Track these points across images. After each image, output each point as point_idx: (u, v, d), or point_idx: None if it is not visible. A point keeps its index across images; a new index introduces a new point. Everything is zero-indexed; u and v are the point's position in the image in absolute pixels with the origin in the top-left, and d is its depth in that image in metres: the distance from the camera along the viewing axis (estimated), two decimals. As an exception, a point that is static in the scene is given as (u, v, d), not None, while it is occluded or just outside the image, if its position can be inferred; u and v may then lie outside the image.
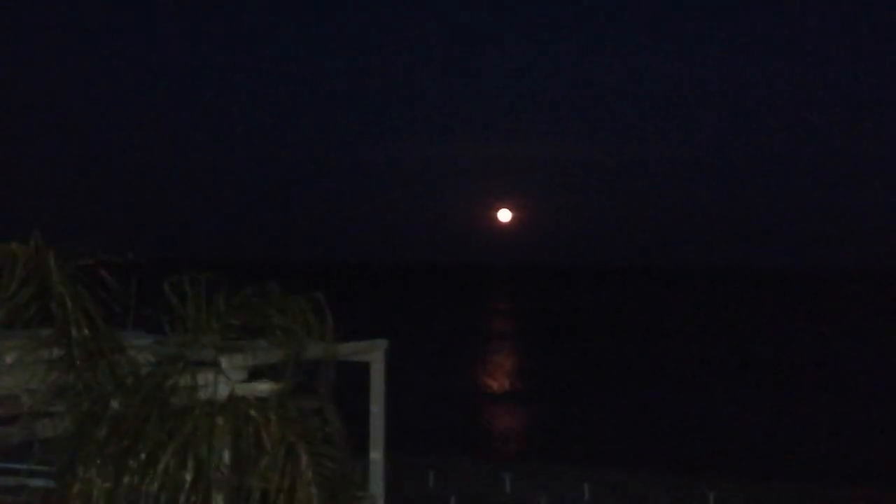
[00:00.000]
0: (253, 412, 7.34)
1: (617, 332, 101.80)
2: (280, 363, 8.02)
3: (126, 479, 7.11)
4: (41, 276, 7.52)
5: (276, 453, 7.22)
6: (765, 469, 36.14)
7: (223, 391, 7.70)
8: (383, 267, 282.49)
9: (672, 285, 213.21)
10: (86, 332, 7.57)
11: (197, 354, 7.77)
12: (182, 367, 7.70)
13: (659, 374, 69.16)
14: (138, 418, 7.30)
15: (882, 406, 53.73)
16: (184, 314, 7.77)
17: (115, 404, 7.47)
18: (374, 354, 14.30)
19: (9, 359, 7.83)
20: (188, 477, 7.11)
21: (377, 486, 14.37)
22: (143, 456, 7.13)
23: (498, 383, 69.00)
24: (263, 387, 8.32)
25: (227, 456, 7.35)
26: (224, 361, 8.10)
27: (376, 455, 14.42)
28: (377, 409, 14.47)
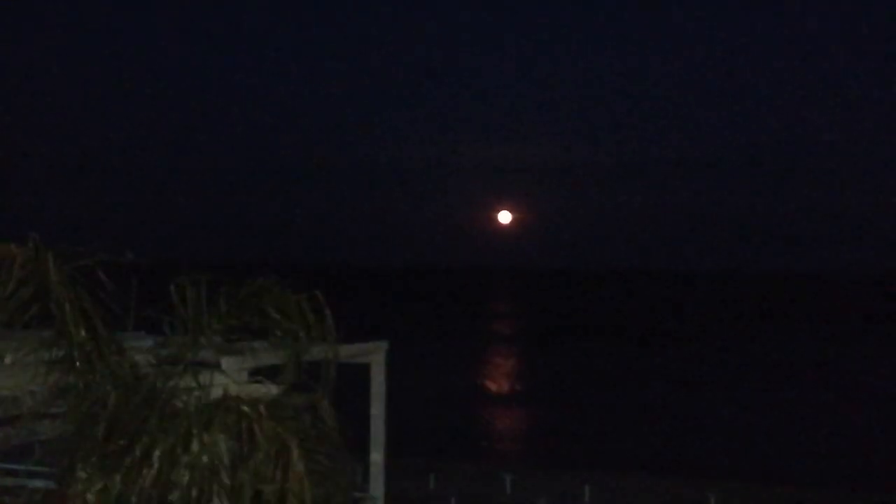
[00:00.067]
0: (245, 408, 7.35)
1: (617, 334, 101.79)
2: (281, 365, 8.03)
3: (120, 478, 7.10)
4: (40, 277, 7.52)
5: (269, 450, 7.22)
6: (765, 471, 36.12)
7: (218, 392, 7.71)
8: (383, 268, 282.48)
9: (672, 287, 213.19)
10: (84, 333, 7.57)
11: (197, 355, 7.77)
12: (182, 369, 7.69)
13: (659, 375, 69.14)
14: (136, 419, 7.30)
15: (882, 407, 53.72)
16: (184, 315, 7.77)
17: (113, 405, 7.47)
18: (374, 356, 14.31)
19: (9, 360, 7.83)
20: (183, 475, 7.11)
21: (378, 487, 14.37)
22: (137, 453, 7.13)
23: (498, 385, 69.00)
24: (263, 388, 8.31)
25: (225, 456, 7.35)
26: (224, 363, 8.10)
27: (377, 457, 14.42)
28: (378, 410, 14.48)
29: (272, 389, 7.92)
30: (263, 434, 7.24)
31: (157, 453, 7.10)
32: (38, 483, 11.71)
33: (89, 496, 7.14)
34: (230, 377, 8.04)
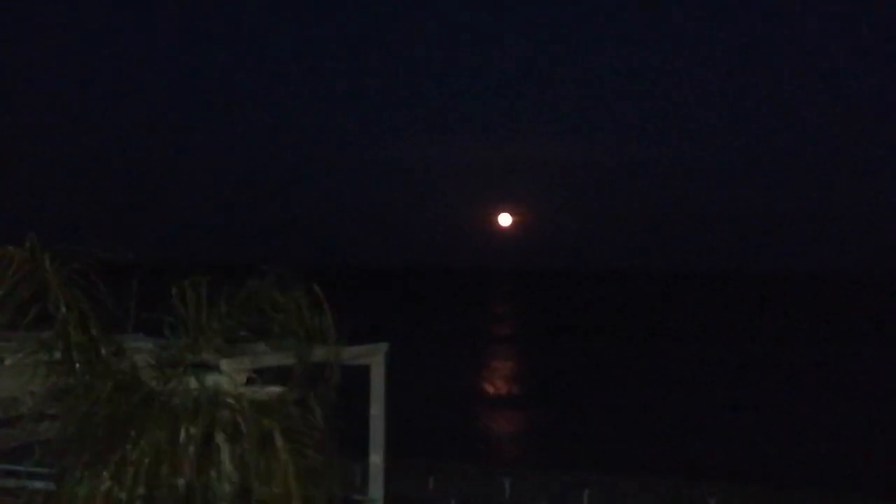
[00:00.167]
0: (230, 400, 7.37)
1: (617, 334, 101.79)
2: (289, 367, 8.04)
3: (108, 474, 7.11)
4: (38, 278, 7.52)
5: (251, 440, 7.23)
6: (765, 472, 36.11)
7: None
8: (383, 269, 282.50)
9: (672, 287, 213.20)
10: (82, 334, 7.57)
11: (198, 357, 7.77)
12: (183, 371, 7.70)
13: (659, 376, 69.13)
14: (133, 419, 7.31)
15: (882, 408, 53.71)
16: (185, 317, 7.77)
17: (110, 405, 7.47)
18: (374, 358, 14.31)
19: (9, 361, 7.82)
20: (164, 469, 7.13)
21: (377, 489, 14.37)
22: (128, 447, 7.14)
23: (498, 386, 68.99)
24: (263, 390, 8.32)
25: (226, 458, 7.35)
26: (225, 365, 8.10)
27: (376, 458, 14.42)
28: (377, 412, 14.47)
29: (272, 391, 7.93)
30: (246, 423, 7.25)
31: (142, 444, 7.12)
32: (38, 484, 11.71)
33: (86, 496, 7.15)
34: (230, 379, 8.04)
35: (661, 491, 30.31)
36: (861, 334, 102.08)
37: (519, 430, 51.11)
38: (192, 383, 7.70)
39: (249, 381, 8.60)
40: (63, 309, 7.51)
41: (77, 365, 7.58)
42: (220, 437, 7.34)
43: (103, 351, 7.66)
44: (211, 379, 7.80)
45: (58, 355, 7.59)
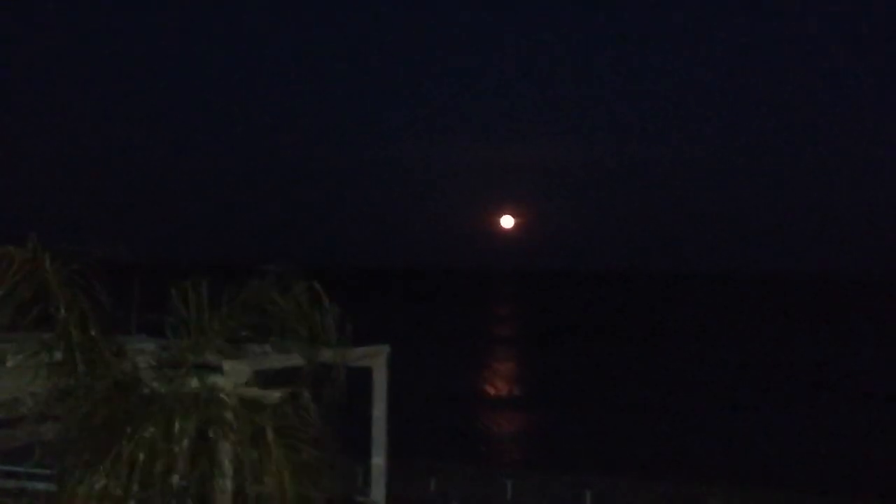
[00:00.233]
0: (223, 396, 7.35)
1: (618, 335, 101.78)
2: (282, 368, 8.02)
3: (104, 470, 7.09)
4: (38, 278, 7.49)
5: (244, 435, 7.21)
6: (765, 473, 36.08)
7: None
8: (384, 270, 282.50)
9: (672, 287, 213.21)
10: (83, 335, 7.54)
11: (200, 358, 7.75)
12: (185, 372, 7.67)
13: (660, 377, 69.10)
14: (132, 419, 7.29)
15: (882, 408, 53.68)
16: (186, 318, 7.75)
17: (109, 405, 7.45)
18: (376, 360, 14.26)
19: (10, 362, 7.79)
20: (159, 465, 7.12)
21: (379, 490, 14.33)
22: (123, 443, 7.13)
23: (499, 387, 68.94)
24: (265, 392, 8.29)
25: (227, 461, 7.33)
26: (226, 366, 8.06)
27: (378, 460, 14.38)
28: (379, 413, 14.43)
29: (274, 394, 7.90)
30: (238, 419, 7.24)
31: (136, 439, 7.10)
32: (39, 485, 11.69)
33: (85, 494, 7.13)
34: (232, 379, 8.01)
35: (662, 491, 30.29)
36: (861, 334, 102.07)
37: (520, 432, 51.06)
38: (194, 384, 7.68)
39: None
40: (63, 310, 7.48)
41: (78, 366, 7.55)
42: (213, 433, 7.32)
43: (104, 352, 7.63)
44: (212, 380, 7.77)
45: (59, 356, 7.56)
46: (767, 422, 50.32)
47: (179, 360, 7.74)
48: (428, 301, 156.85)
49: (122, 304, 7.89)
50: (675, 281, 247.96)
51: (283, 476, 7.24)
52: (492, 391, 67.00)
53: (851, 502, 31.31)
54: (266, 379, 8.33)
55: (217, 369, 7.84)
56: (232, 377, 7.97)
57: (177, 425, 7.19)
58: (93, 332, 7.58)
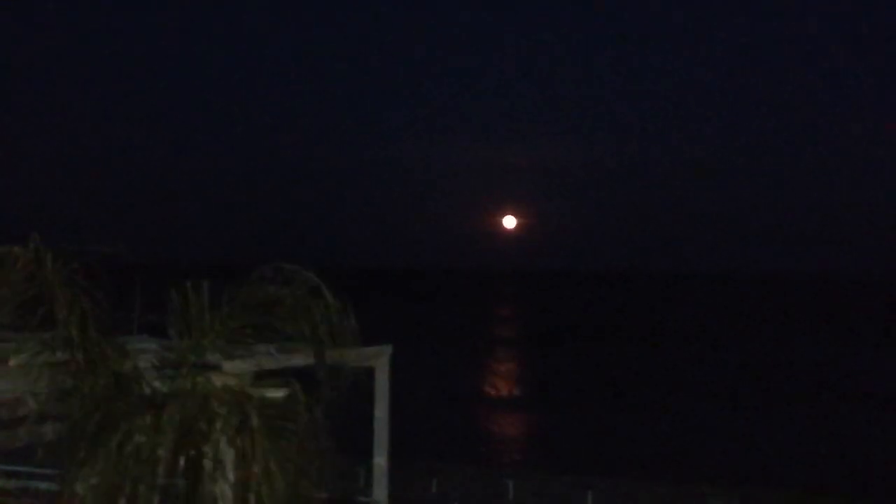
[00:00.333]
0: (223, 395, 7.35)
1: (618, 335, 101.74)
2: (281, 369, 8.01)
3: (98, 465, 7.09)
4: (40, 278, 7.49)
5: (228, 421, 7.20)
6: (766, 473, 36.05)
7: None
8: (385, 270, 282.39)
9: (672, 288, 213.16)
10: (84, 335, 7.54)
11: (201, 358, 7.74)
12: (186, 372, 7.67)
13: (660, 377, 69.08)
14: (128, 416, 7.29)
15: (882, 408, 53.64)
16: (188, 318, 7.74)
17: (108, 404, 7.45)
18: (379, 360, 14.26)
19: (11, 362, 7.79)
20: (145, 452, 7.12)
21: (381, 491, 14.33)
22: (118, 436, 7.13)
23: (501, 388, 68.89)
24: (267, 391, 8.28)
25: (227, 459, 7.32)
26: (227, 367, 8.06)
27: (380, 460, 14.38)
28: (381, 414, 14.43)
29: (276, 392, 7.89)
30: (226, 408, 7.24)
31: (135, 437, 7.10)
32: (41, 485, 11.70)
33: (83, 492, 7.13)
34: (232, 379, 8.00)
35: (663, 492, 30.28)
36: (861, 334, 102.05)
37: (522, 432, 51.03)
38: (195, 383, 7.67)
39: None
40: (64, 310, 7.47)
41: (79, 366, 7.55)
42: (213, 433, 7.31)
43: (105, 351, 7.63)
44: (212, 379, 7.77)
45: (60, 356, 7.56)
46: (767, 422, 50.29)
47: (181, 360, 7.74)
48: (428, 301, 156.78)
49: (122, 304, 7.89)
50: (675, 281, 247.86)
51: (270, 465, 7.22)
52: (493, 392, 66.96)
53: (851, 502, 31.29)
54: (265, 379, 8.34)
55: (218, 369, 7.83)
56: (232, 377, 7.97)
57: (175, 423, 7.19)
58: (93, 332, 7.58)
